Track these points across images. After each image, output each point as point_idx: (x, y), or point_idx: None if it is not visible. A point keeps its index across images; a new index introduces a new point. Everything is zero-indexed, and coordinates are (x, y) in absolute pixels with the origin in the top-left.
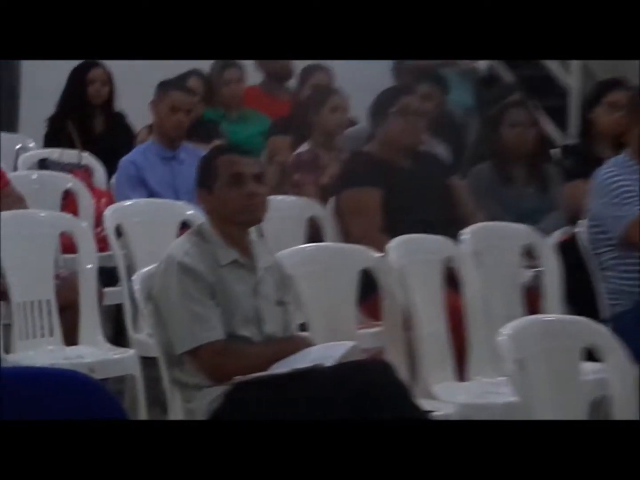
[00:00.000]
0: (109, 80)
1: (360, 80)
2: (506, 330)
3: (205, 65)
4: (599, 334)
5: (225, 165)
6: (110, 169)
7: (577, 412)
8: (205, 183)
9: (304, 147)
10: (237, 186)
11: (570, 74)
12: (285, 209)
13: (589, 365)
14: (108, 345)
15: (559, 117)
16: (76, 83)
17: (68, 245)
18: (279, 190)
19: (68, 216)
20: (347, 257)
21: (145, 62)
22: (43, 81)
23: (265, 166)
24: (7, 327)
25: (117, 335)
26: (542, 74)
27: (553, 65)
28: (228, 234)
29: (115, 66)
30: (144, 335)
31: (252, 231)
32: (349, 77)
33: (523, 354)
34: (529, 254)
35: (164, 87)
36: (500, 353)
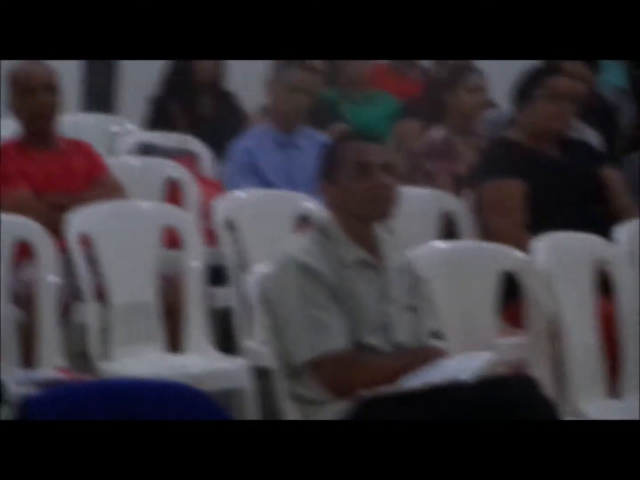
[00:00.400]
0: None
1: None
2: None
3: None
4: None
5: (351, 153)
6: (219, 156)
7: None
8: (328, 173)
9: (437, 133)
10: (364, 177)
11: None
12: (416, 203)
13: None
14: (216, 354)
15: None
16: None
17: (172, 240)
18: (408, 181)
19: (172, 208)
20: (486, 258)
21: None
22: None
23: (393, 154)
24: (105, 332)
25: (226, 342)
26: None
27: None
28: (353, 230)
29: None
30: (256, 343)
31: (380, 227)
32: None
33: None
34: None
35: (282, 64)
36: None
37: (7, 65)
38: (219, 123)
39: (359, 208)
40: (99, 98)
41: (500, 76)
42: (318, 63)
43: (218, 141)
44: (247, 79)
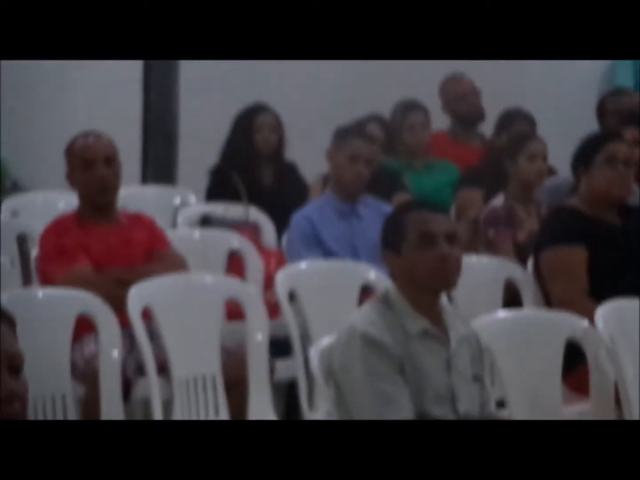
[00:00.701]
0: (278, 127)
1: (560, 126)
2: None
3: (385, 109)
4: None
5: (415, 223)
6: (281, 227)
7: None
8: (392, 243)
9: (498, 201)
10: (428, 247)
11: None
12: (478, 271)
13: None
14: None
15: None
16: (242, 130)
17: (235, 312)
18: (470, 249)
19: (235, 280)
20: (550, 326)
21: (317, 107)
22: (204, 126)
23: (456, 223)
24: (168, 405)
25: (290, 415)
26: None
27: None
28: (417, 300)
29: (285, 111)
30: (321, 415)
31: (444, 297)
32: (548, 121)
33: None
34: None
35: (342, 134)
36: None
37: (68, 139)
38: (281, 194)
39: (424, 278)
40: (160, 170)
41: (560, 143)
42: (377, 132)
43: (280, 212)
44: (308, 150)
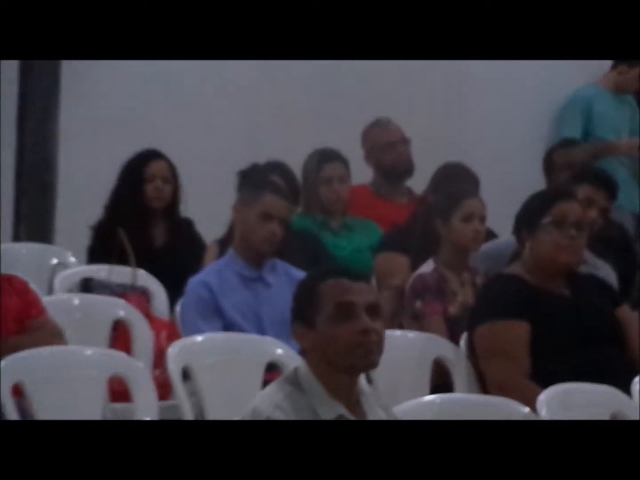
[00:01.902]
0: (172, 177)
1: (501, 182)
2: None
3: (291, 158)
4: None
5: (332, 292)
6: (174, 293)
7: None
8: (305, 315)
9: (427, 267)
10: (346, 320)
11: None
12: (403, 348)
13: None
14: None
15: None
16: (131, 180)
17: (120, 391)
18: (394, 322)
19: (120, 354)
20: (486, 413)
21: (215, 150)
22: (86, 175)
23: (378, 293)
24: None
25: None
26: None
27: None
28: (332, 381)
29: (179, 157)
30: None
31: (362, 378)
32: (487, 177)
33: None
34: None
35: (250, 187)
36: None
37: None
38: (174, 255)
39: (341, 357)
40: (35, 225)
41: (500, 201)
42: (282, 184)
43: (173, 276)
44: (206, 205)
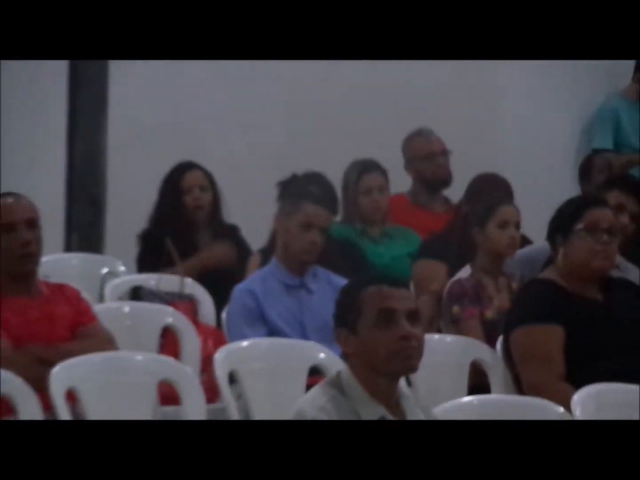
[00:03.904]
0: (210, 185)
1: (535, 191)
2: None
3: (330, 169)
4: None
5: (374, 299)
6: (221, 300)
7: None
8: (347, 320)
9: (464, 273)
10: (388, 326)
11: None
12: (441, 352)
13: None
14: None
15: None
16: (170, 192)
17: (169, 395)
18: (433, 327)
19: (169, 360)
20: (522, 413)
21: (257, 162)
22: (131, 187)
23: (416, 299)
24: None
25: None
26: None
27: None
28: (374, 384)
29: (222, 169)
30: None
31: (402, 381)
32: (521, 186)
33: None
34: None
35: (294, 197)
36: None
37: None
38: (217, 264)
39: (382, 361)
40: (85, 236)
41: (534, 209)
42: (330, 197)
43: (219, 283)
44: (248, 216)
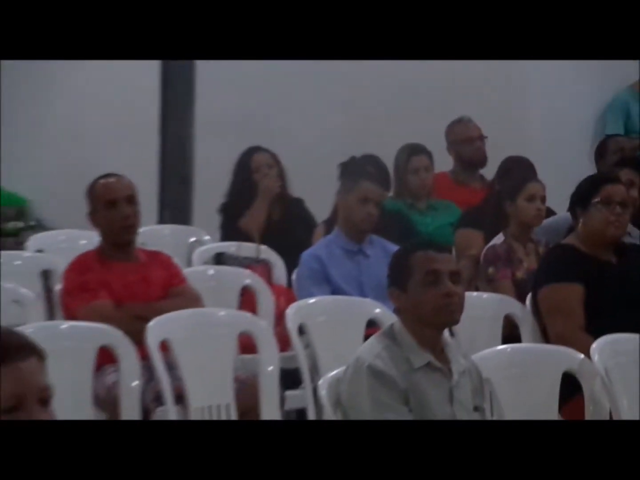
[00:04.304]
0: (275, 163)
1: (558, 169)
2: None
3: (384, 152)
4: None
5: (421, 262)
6: (291, 262)
7: None
8: (399, 280)
9: (497, 240)
10: (434, 285)
11: None
12: (479, 307)
13: None
14: None
15: None
16: (241, 173)
17: (248, 345)
18: (471, 286)
19: (247, 315)
20: (548, 359)
21: (322, 146)
22: (216, 168)
23: (457, 262)
24: None
25: None
26: None
27: None
28: (422, 335)
29: (291, 152)
30: None
31: (446, 332)
32: (546, 165)
33: None
34: None
35: (353, 176)
36: None
37: (88, 182)
38: (289, 230)
39: (428, 315)
40: (176, 211)
41: (557, 185)
42: (383, 175)
43: (289, 248)
44: (315, 192)
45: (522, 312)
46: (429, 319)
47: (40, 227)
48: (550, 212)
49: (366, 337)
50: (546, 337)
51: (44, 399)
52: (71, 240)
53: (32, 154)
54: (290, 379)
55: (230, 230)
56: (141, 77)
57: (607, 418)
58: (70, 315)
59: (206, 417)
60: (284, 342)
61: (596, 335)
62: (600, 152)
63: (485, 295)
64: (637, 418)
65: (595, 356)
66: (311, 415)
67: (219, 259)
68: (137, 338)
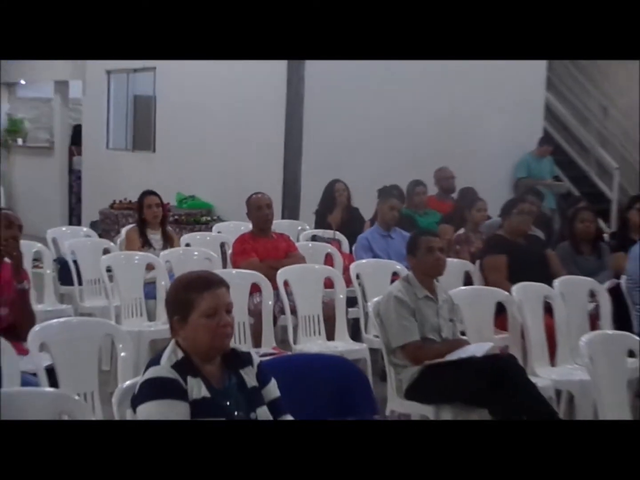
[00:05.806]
0: (346, 190)
1: (494, 192)
2: (583, 339)
3: (402, 183)
4: (631, 340)
5: (424, 241)
6: (352, 241)
7: (622, 386)
8: (411, 251)
9: (461, 231)
10: (431, 254)
11: (613, 191)
12: (450, 267)
13: (629, 360)
14: (351, 341)
15: (606, 216)
16: (328, 192)
17: (329, 283)
18: (447, 255)
19: (329, 268)
20: (488, 294)
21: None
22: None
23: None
24: (296, 330)
25: (356, 336)
26: (596, 191)
27: (603, 186)
28: (424, 280)
29: (352, 182)
30: (371, 336)
31: (436, 279)
32: (486, 191)
33: (586, 352)
34: (592, 295)
35: (385, 194)
36: (580, 352)
37: (247, 196)
38: (350, 224)
39: (428, 269)
40: (291, 212)
41: (492, 204)
42: (401, 195)
43: (351, 234)
44: (366, 203)
45: (474, 270)
46: (428, 271)
47: (219, 219)
48: (489, 217)
49: (391, 281)
50: (487, 283)
51: (229, 310)
52: (236, 227)
53: (216, 170)
54: (351, 301)
55: (320, 223)
56: (267, 75)
57: (519, 327)
58: (235, 266)
59: (307, 321)
60: (348, 282)
61: (514, 282)
62: (515, 186)
63: (455, 261)
64: (535, 325)
65: (514, 293)
66: (362, 322)
67: (314, 238)
68: (272, 278)
